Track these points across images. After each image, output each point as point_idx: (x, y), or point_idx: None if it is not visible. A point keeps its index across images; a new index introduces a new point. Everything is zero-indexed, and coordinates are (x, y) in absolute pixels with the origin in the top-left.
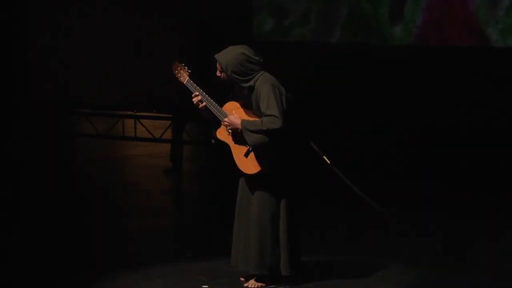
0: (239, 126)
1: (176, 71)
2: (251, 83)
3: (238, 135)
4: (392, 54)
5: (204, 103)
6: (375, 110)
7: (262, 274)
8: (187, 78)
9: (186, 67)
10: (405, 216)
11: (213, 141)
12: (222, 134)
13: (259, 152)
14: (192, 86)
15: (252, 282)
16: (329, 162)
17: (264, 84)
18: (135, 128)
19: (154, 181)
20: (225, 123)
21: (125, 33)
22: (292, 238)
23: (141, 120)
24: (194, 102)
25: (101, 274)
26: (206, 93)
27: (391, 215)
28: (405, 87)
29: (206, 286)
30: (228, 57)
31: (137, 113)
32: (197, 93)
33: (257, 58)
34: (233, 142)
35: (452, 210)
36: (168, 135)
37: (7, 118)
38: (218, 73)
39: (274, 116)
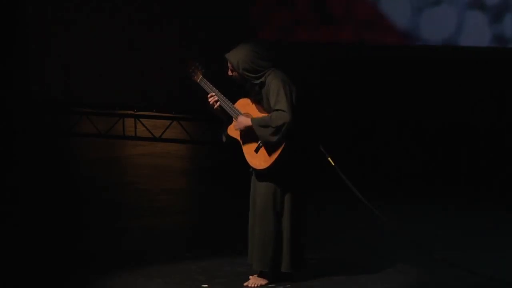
0: (249, 124)
1: (190, 70)
2: (262, 79)
3: (248, 132)
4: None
5: (218, 102)
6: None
7: (263, 271)
8: (201, 76)
9: (199, 66)
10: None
11: (224, 140)
12: (233, 131)
13: (270, 147)
14: (206, 84)
15: (252, 281)
16: (333, 164)
17: (274, 80)
18: (135, 127)
19: (153, 181)
20: (235, 126)
21: (125, 33)
22: (296, 235)
23: (141, 120)
24: (210, 102)
25: (101, 274)
26: (219, 91)
27: (388, 220)
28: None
29: (206, 286)
30: (239, 55)
31: (137, 113)
32: (213, 93)
33: (267, 54)
34: (243, 138)
35: (454, 210)
36: (167, 134)
37: (6, 117)
38: (229, 72)
39: (283, 110)
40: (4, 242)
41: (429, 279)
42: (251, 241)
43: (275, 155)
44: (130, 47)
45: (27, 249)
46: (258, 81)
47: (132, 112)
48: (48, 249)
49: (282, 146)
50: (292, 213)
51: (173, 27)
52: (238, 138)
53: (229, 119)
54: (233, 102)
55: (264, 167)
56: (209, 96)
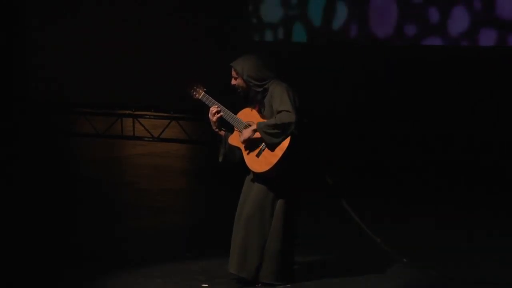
0: (254, 129)
1: (191, 90)
2: (265, 87)
3: (250, 139)
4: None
5: (221, 113)
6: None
7: (240, 277)
8: (202, 93)
9: (200, 85)
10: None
11: (220, 160)
12: (235, 140)
13: (272, 151)
14: (208, 99)
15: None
16: (331, 183)
17: (277, 87)
18: (134, 127)
19: (153, 181)
20: (241, 139)
21: (124, 32)
22: (280, 246)
23: (140, 119)
24: (213, 112)
25: (101, 274)
26: (222, 104)
27: (382, 242)
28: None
29: (206, 286)
30: (244, 63)
31: (135, 112)
32: (216, 105)
33: (271, 64)
34: (245, 146)
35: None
36: (167, 134)
37: (5, 117)
38: (233, 81)
39: (287, 111)
40: (3, 242)
41: (428, 279)
42: (233, 246)
43: (276, 158)
44: (128, 47)
45: (27, 249)
46: (261, 89)
47: (131, 112)
48: (48, 249)
49: (284, 150)
50: (280, 224)
51: (172, 26)
52: (240, 146)
53: (229, 132)
54: (235, 113)
55: (265, 169)
56: (212, 108)
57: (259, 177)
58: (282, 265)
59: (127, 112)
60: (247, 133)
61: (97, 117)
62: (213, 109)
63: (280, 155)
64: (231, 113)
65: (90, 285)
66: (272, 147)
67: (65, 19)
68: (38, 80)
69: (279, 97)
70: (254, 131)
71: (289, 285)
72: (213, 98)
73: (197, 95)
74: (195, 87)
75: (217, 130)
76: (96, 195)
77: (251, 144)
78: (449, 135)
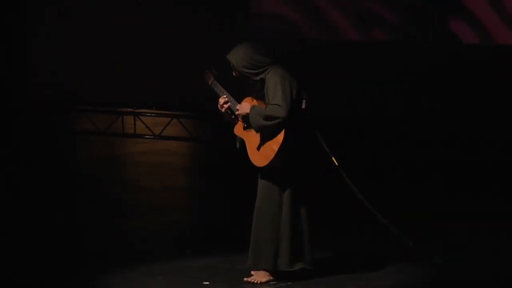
0: (248, 111)
1: (205, 74)
2: (262, 75)
3: (252, 130)
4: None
5: (228, 104)
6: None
7: (258, 269)
8: (212, 79)
9: (213, 70)
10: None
11: (238, 146)
12: (238, 130)
13: (269, 145)
14: (216, 86)
15: (253, 277)
16: (336, 164)
17: (273, 76)
18: (135, 125)
19: (154, 179)
20: (237, 112)
21: (125, 29)
22: (295, 233)
23: (141, 117)
24: (221, 103)
25: (102, 272)
26: (229, 93)
27: (389, 223)
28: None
29: (207, 283)
30: (237, 53)
31: (136, 110)
32: (225, 95)
33: (266, 50)
34: (248, 137)
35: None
36: (167, 132)
37: (6, 115)
38: (234, 73)
39: (278, 105)
40: (5, 241)
41: (429, 278)
42: (251, 241)
43: (273, 153)
44: (130, 44)
45: (29, 248)
46: (258, 77)
47: (132, 109)
48: (48, 248)
49: (280, 143)
50: (291, 211)
51: (174, 23)
52: (243, 137)
53: (237, 122)
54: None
55: (265, 163)
56: (221, 98)
57: (263, 171)
58: (297, 251)
59: (128, 109)
60: (243, 109)
61: (98, 114)
62: (221, 100)
63: (277, 149)
64: (236, 102)
65: (91, 284)
66: (267, 140)
67: (65, 16)
68: (38, 78)
69: (273, 89)
70: (247, 112)
71: (290, 283)
72: (223, 86)
73: (207, 80)
74: (207, 71)
75: (227, 118)
76: (97, 193)
77: (252, 137)
78: (450, 135)
